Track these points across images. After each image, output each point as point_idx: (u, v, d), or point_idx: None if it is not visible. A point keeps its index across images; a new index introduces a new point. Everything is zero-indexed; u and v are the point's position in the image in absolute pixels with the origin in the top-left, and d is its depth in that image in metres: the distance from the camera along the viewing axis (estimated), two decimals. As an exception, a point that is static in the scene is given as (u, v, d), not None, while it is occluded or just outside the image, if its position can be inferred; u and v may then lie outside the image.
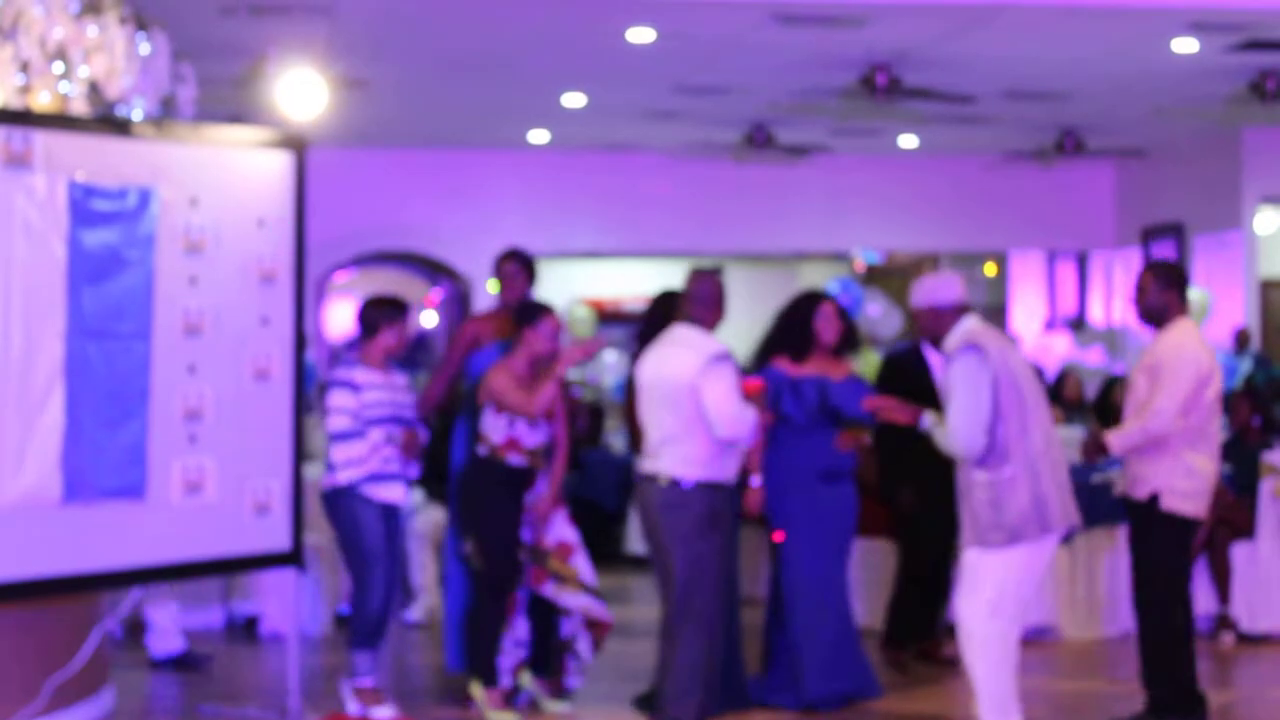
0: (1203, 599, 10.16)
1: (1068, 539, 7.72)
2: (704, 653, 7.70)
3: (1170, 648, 7.94)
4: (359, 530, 8.25)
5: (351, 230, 17.96)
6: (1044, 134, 16.96)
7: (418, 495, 11.93)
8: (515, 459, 8.23)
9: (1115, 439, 7.84)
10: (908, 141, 18.18)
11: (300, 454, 8.27)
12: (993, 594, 7.04)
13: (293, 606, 8.50)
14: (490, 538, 8.26)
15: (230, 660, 10.08)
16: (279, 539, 8.20)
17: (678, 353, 7.72)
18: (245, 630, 10.81)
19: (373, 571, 8.26)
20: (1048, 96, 14.92)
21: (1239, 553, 10.47)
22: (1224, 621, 10.41)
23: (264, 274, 8.09)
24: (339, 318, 21.37)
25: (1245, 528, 10.40)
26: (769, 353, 8.68)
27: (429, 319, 22.39)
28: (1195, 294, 16.09)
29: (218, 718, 8.43)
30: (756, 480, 8.36)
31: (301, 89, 8.52)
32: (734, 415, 7.59)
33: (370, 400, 8.27)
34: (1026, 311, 21.97)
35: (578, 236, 19.27)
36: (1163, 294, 7.97)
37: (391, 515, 8.39)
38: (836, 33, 12.10)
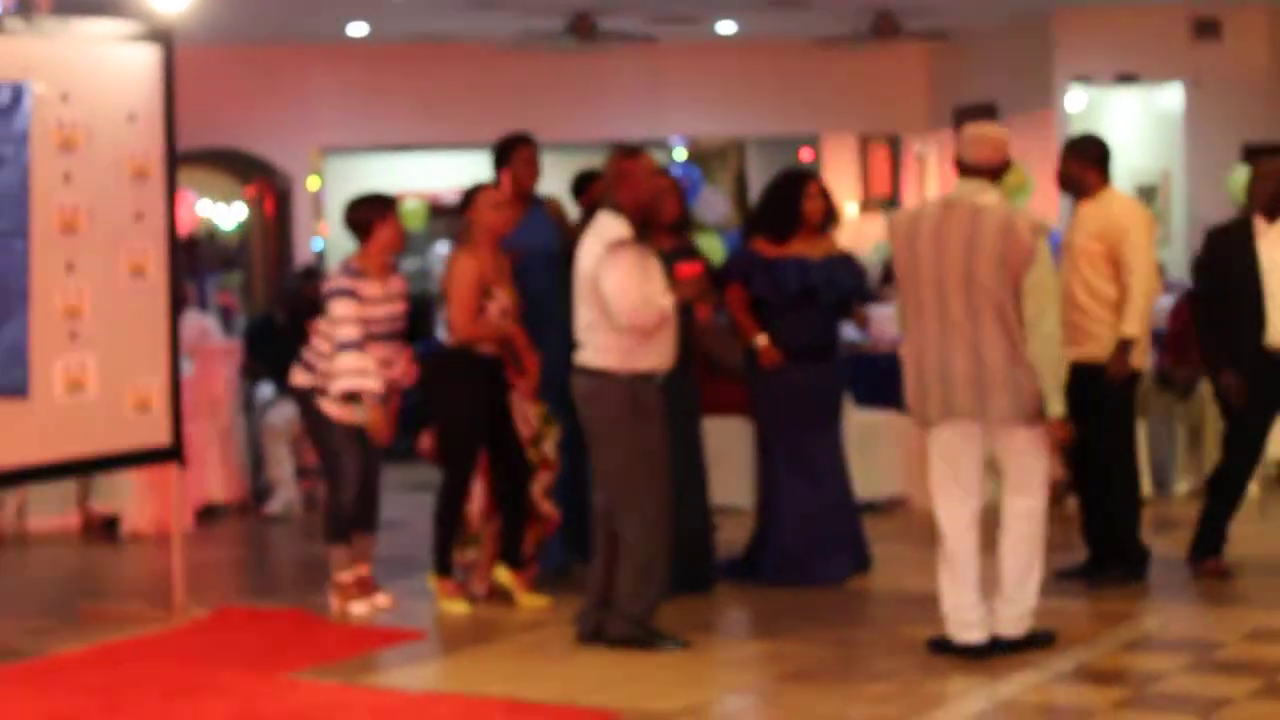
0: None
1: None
2: (649, 544, 7.33)
3: (1135, 504, 8.34)
4: (332, 430, 8.24)
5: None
6: (860, 18, 17.16)
7: (270, 389, 11.90)
8: (485, 347, 8.19)
9: (1132, 323, 7.97)
10: (725, 28, 18.30)
11: (176, 349, 8.25)
12: (931, 472, 7.06)
13: (174, 503, 8.49)
14: (451, 428, 8.27)
15: (95, 560, 10.07)
16: (159, 435, 8.20)
17: (588, 241, 7.40)
18: (105, 531, 10.75)
19: (345, 469, 8.27)
20: (868, -21, 15.11)
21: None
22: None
23: (136, 170, 8.02)
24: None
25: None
26: (751, 233, 8.72)
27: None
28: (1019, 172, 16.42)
29: (101, 613, 8.40)
30: None
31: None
32: (630, 305, 7.14)
33: (369, 315, 8.10)
34: (840, 194, 22.31)
35: (396, 129, 19.17)
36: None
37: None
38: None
